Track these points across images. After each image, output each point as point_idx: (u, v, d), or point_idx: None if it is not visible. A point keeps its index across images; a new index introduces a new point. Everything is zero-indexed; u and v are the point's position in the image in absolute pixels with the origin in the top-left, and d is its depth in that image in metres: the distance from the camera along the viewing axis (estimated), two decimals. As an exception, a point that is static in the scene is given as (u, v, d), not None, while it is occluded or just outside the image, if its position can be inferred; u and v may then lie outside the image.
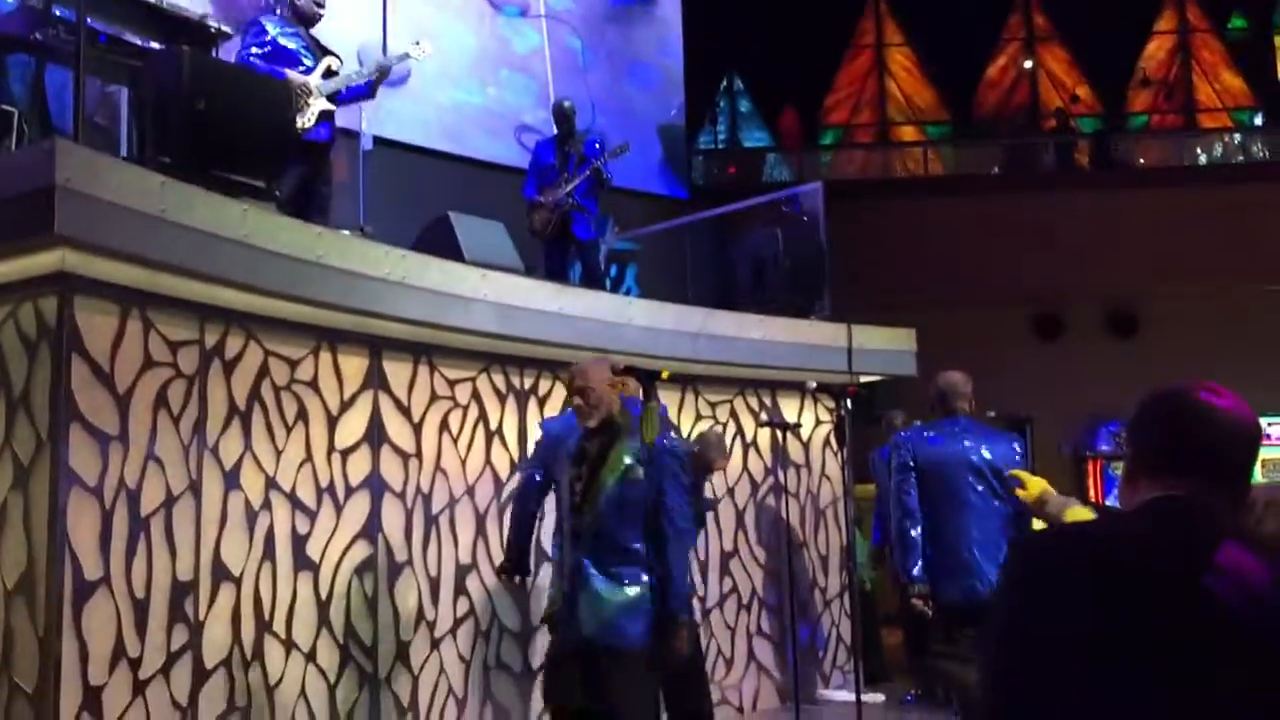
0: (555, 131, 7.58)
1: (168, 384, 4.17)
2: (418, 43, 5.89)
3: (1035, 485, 2.88)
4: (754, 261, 7.43)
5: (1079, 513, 2.69)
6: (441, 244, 5.48)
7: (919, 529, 4.73)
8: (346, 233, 5.13)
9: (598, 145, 7.45)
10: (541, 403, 5.73)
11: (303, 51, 5.61)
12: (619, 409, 3.98)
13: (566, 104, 7.53)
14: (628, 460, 3.86)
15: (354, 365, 4.93)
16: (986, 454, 4.71)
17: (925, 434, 4.88)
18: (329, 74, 5.61)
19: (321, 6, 5.82)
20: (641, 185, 10.87)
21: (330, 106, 5.51)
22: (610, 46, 11.16)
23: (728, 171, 14.92)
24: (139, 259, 3.83)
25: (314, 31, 5.75)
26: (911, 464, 4.79)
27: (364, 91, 5.85)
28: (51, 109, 4.73)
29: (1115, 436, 12.29)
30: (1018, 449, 4.82)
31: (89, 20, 4.62)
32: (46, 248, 3.71)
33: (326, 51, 5.71)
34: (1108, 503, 11.39)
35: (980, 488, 4.67)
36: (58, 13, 4.62)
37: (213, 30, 5.06)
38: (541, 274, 6.78)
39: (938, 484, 4.73)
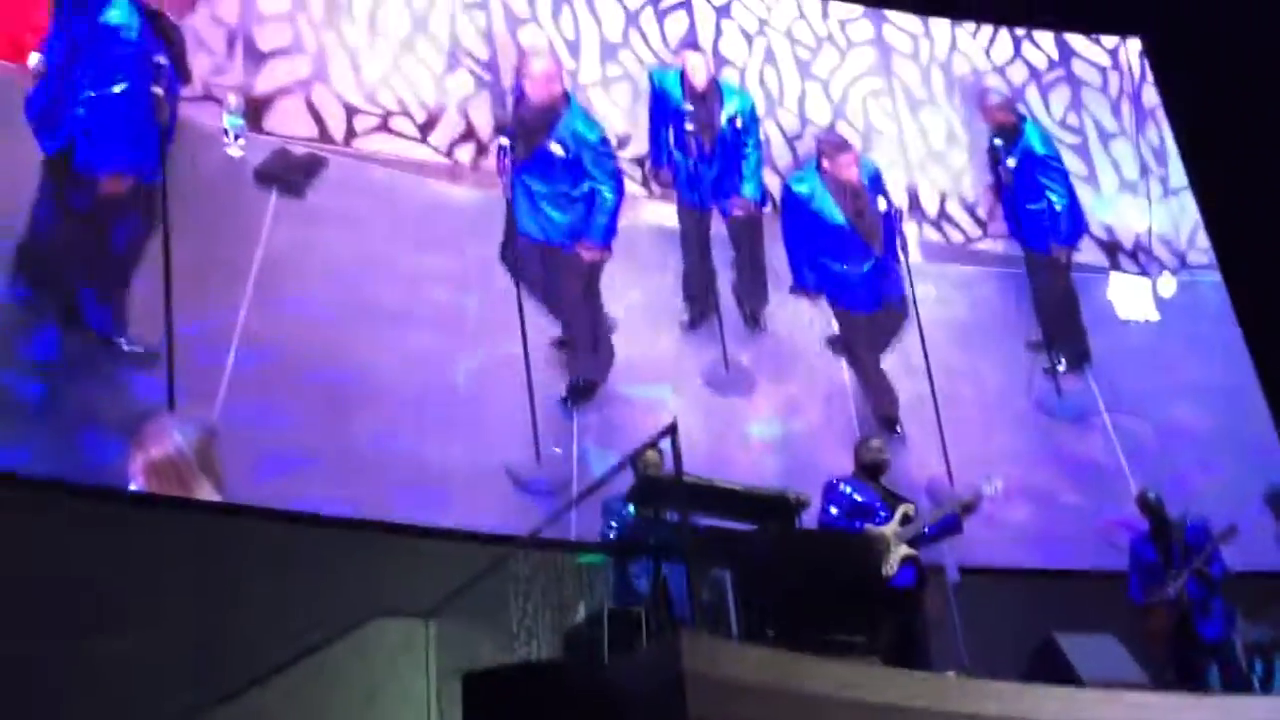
0: (1147, 525, 7.17)
1: None
2: (989, 478, 6.07)
3: None
4: None
5: None
6: (1052, 669, 5.22)
7: None
8: (951, 674, 5.03)
9: (1201, 531, 6.92)
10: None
11: (876, 503, 5.96)
12: None
13: (1151, 495, 7.16)
14: None
15: (988, 816, 4.62)
16: None
17: None
18: (905, 520, 5.86)
19: (884, 453, 6.21)
20: (1267, 564, 9.71)
21: (912, 551, 5.68)
22: (1185, 427, 10.54)
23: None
24: (763, 733, 3.98)
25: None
26: None
27: (953, 523, 6.03)
28: (671, 599, 5.26)
29: None
30: None
31: (691, 517, 5.23)
32: (681, 733, 3.97)
33: (899, 499, 6.01)
34: None
35: None
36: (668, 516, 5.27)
37: (792, 501, 5.49)
38: (1172, 684, 6.13)
39: None
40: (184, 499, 5.92)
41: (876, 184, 8.25)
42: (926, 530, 5.89)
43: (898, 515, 5.95)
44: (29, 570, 5.36)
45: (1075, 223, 8.98)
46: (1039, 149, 8.82)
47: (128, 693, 5.24)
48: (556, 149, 7.37)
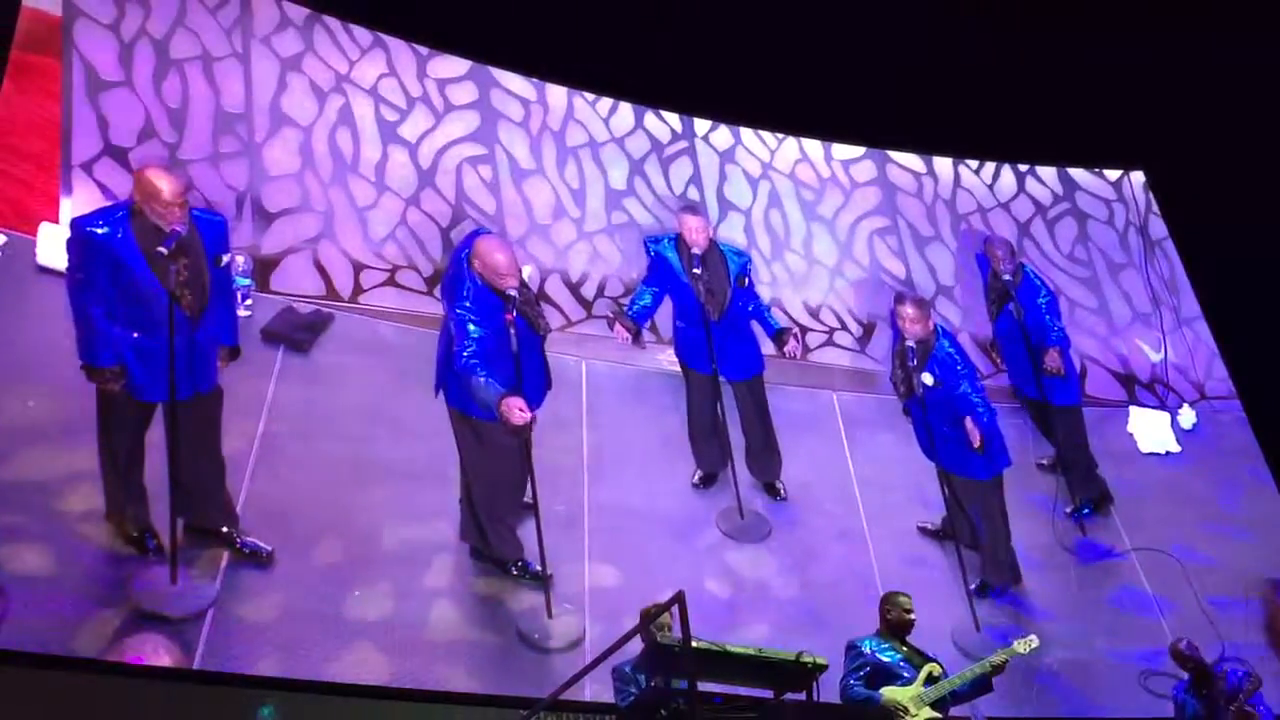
0: (1187, 676, 6.92)
1: None
2: (1023, 636, 5.91)
3: None
4: None
5: None
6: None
7: None
8: None
9: (1244, 678, 6.69)
10: None
11: (900, 663, 5.76)
12: None
13: (1183, 644, 6.97)
14: None
15: None
16: None
17: None
18: (930, 680, 5.66)
19: (912, 612, 5.99)
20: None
21: (936, 715, 5.46)
22: (1214, 561, 10.24)
23: None
24: None
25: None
26: None
27: (982, 684, 5.86)
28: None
29: None
30: None
31: (701, 684, 5.00)
32: None
33: (925, 657, 5.80)
34: None
35: None
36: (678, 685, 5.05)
37: (809, 665, 5.26)
38: None
39: None
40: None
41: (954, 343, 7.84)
42: (955, 691, 5.67)
43: (922, 675, 5.74)
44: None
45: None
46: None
47: None
48: None
